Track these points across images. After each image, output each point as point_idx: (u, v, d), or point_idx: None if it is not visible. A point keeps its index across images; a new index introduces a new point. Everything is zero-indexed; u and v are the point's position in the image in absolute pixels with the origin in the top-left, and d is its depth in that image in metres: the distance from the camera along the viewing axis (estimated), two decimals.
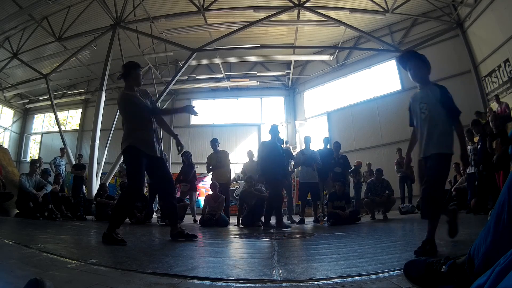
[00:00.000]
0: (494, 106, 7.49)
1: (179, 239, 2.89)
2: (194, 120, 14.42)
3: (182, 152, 3.25)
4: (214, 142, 6.62)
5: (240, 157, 11.51)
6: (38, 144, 15.93)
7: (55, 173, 7.69)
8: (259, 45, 11.61)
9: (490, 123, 4.99)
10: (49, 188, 5.95)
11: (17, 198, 5.68)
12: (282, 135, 11.58)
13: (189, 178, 6.72)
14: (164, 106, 13.34)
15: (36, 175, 6.00)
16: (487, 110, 7.64)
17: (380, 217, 6.07)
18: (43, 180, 6.03)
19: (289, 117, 14.22)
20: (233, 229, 4.71)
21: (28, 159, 14.13)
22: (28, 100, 15.57)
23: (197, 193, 7.27)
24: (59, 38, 10.60)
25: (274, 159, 5.07)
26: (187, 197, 6.95)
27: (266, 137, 5.53)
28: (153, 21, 9.74)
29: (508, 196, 0.86)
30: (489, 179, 4.98)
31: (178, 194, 6.31)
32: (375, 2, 9.44)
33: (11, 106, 15.49)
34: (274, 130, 5.32)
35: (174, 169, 7.70)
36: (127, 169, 2.98)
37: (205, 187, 8.10)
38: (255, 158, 6.31)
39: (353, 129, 11.77)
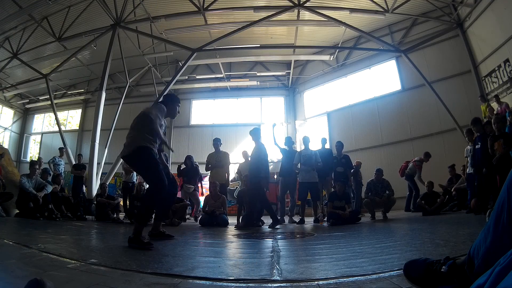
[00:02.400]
0: (494, 106, 7.48)
1: (156, 239, 2.87)
2: (194, 120, 14.43)
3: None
4: (216, 142, 6.61)
5: (239, 157, 11.51)
6: (38, 144, 15.91)
7: (54, 172, 7.70)
8: (259, 45, 11.60)
9: (493, 125, 4.98)
10: (50, 188, 5.95)
11: (17, 198, 5.69)
12: (282, 135, 11.70)
13: (194, 180, 6.74)
14: None
15: (36, 176, 6.01)
16: (487, 110, 7.63)
17: (380, 217, 6.07)
18: (43, 181, 6.03)
19: (289, 117, 14.20)
20: (233, 229, 4.71)
21: (28, 159, 14.13)
22: (28, 100, 15.55)
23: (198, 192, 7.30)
24: (59, 38, 10.60)
25: (257, 161, 5.26)
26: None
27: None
28: (153, 21, 9.73)
29: (507, 196, 0.86)
30: (489, 179, 4.97)
31: (178, 194, 6.32)
32: (375, 2, 9.43)
33: (11, 106, 15.49)
34: (255, 133, 5.48)
35: (173, 169, 7.70)
36: (147, 168, 2.74)
37: (205, 187, 8.08)
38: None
39: (353, 129, 11.76)
